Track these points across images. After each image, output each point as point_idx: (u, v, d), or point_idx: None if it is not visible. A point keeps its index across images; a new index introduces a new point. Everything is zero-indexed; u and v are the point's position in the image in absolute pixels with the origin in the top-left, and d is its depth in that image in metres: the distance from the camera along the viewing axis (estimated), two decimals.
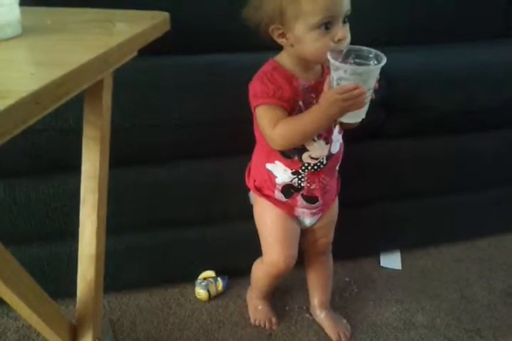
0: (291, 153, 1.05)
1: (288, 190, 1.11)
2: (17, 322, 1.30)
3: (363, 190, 1.41)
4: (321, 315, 1.34)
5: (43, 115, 0.55)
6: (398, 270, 1.57)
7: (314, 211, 1.16)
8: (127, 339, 1.28)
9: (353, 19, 0.94)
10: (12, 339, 1.25)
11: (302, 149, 1.04)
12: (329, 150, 1.07)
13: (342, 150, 1.12)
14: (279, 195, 1.12)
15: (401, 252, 1.63)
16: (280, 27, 0.94)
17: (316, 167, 1.07)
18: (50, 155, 1.10)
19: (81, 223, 0.92)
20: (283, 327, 1.34)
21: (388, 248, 1.63)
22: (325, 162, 1.08)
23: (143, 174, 1.23)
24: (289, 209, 1.14)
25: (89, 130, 0.87)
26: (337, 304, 1.41)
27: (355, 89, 0.87)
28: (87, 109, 0.85)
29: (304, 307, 1.39)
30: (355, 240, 1.46)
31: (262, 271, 1.24)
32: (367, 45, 0.93)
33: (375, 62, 0.90)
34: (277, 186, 1.11)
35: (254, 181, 1.15)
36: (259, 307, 1.35)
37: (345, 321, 1.34)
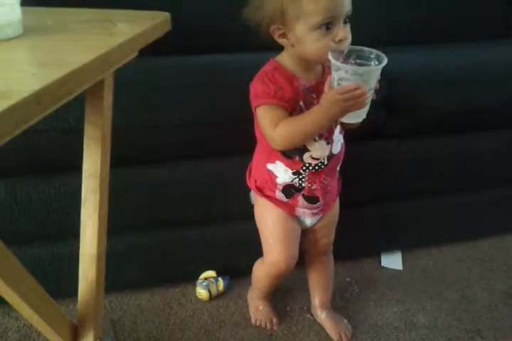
0: (292, 153, 1.05)
1: (289, 190, 1.11)
2: (18, 322, 1.30)
3: (363, 190, 1.41)
4: (322, 316, 1.34)
5: (44, 115, 0.55)
6: (399, 270, 1.57)
7: (315, 211, 1.16)
8: (128, 339, 1.28)
9: (353, 19, 0.94)
10: (13, 339, 1.25)
11: (303, 149, 1.04)
12: (330, 151, 1.07)
13: (343, 150, 1.12)
14: (279, 195, 1.12)
15: (402, 252, 1.63)
16: (281, 27, 0.94)
17: (317, 167, 1.07)
18: (51, 155, 1.10)
19: (82, 223, 0.92)
20: (284, 327, 1.34)
21: (389, 248, 1.63)
22: (326, 162, 1.08)
23: (143, 174, 1.23)
24: (290, 210, 1.14)
25: (91, 130, 0.87)
26: (338, 304, 1.41)
27: (356, 89, 0.87)
28: (88, 109, 0.86)
29: (305, 308, 1.39)
30: (356, 240, 1.46)
31: (263, 271, 1.24)
32: (367, 45, 0.93)
33: (376, 62, 0.90)
34: (278, 186, 1.11)
35: (255, 181, 1.15)
36: (260, 307, 1.35)
37: (346, 321, 1.34)
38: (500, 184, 1.61)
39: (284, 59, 1.01)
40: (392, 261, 1.60)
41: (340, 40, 0.91)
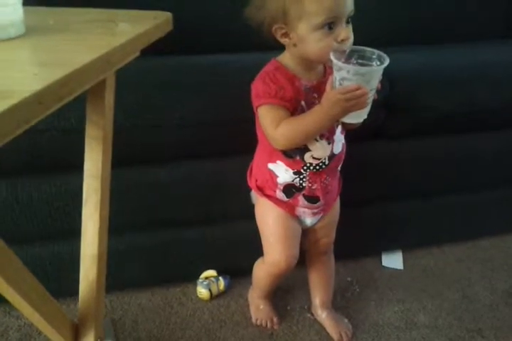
0: (293, 153, 1.05)
1: (289, 189, 1.11)
2: (19, 321, 1.30)
3: (364, 189, 1.41)
4: (322, 315, 1.34)
5: (45, 115, 0.55)
6: (400, 270, 1.57)
7: (315, 211, 1.16)
8: (129, 338, 1.28)
9: (354, 19, 0.94)
10: (14, 338, 1.25)
11: (304, 149, 1.04)
12: (331, 151, 1.07)
13: (344, 150, 1.12)
14: (280, 194, 1.12)
15: (403, 252, 1.63)
16: (283, 26, 0.94)
17: (318, 167, 1.07)
18: (53, 154, 1.10)
19: (83, 223, 0.92)
20: (284, 326, 1.34)
21: (390, 247, 1.63)
22: (327, 162, 1.08)
23: (144, 174, 1.23)
24: (290, 209, 1.14)
25: (92, 130, 0.87)
26: (339, 304, 1.41)
27: (357, 89, 0.87)
28: (90, 109, 0.86)
29: (306, 307, 1.40)
30: (356, 240, 1.46)
31: (264, 270, 1.24)
32: (367, 46, 0.93)
33: (378, 63, 0.90)
34: (279, 186, 1.11)
35: (256, 181, 1.15)
36: (261, 306, 1.35)
37: (346, 321, 1.34)
38: (500, 184, 1.61)
39: (286, 59, 1.01)
40: (393, 260, 1.60)
41: (342, 40, 0.91)
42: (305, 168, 1.07)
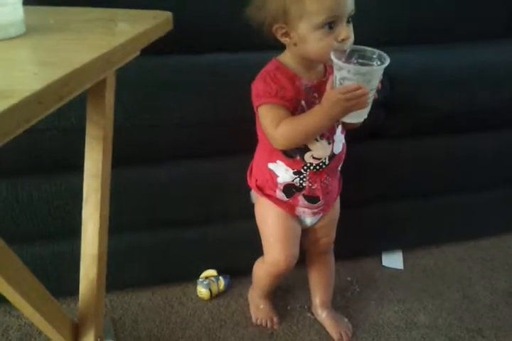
0: (294, 153, 1.05)
1: (289, 189, 1.11)
2: (19, 321, 1.30)
3: (364, 189, 1.41)
4: (322, 315, 1.34)
5: (45, 115, 0.55)
6: (400, 269, 1.57)
7: (315, 211, 1.16)
8: (129, 337, 1.28)
9: (354, 19, 0.94)
10: (14, 338, 1.26)
11: (305, 149, 1.04)
12: (332, 151, 1.07)
13: (344, 150, 1.12)
14: (280, 194, 1.12)
15: (403, 252, 1.63)
16: (284, 26, 0.94)
17: (318, 167, 1.07)
18: (53, 154, 1.10)
19: (83, 222, 0.92)
20: (284, 326, 1.34)
21: (390, 247, 1.63)
22: (327, 162, 1.08)
23: (144, 173, 1.23)
24: (290, 209, 1.14)
25: (92, 129, 0.87)
26: (339, 303, 1.41)
27: (358, 89, 0.87)
28: (90, 109, 0.86)
29: (306, 307, 1.40)
30: (356, 240, 1.46)
31: (264, 270, 1.24)
32: (367, 45, 0.93)
33: (379, 62, 0.90)
34: (279, 186, 1.11)
35: (256, 180, 1.15)
36: (261, 306, 1.35)
37: (346, 320, 1.34)
38: (500, 184, 1.61)
39: (286, 58, 1.01)
40: (393, 260, 1.60)
41: (343, 40, 0.91)
42: (305, 167, 1.07)
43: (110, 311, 1.35)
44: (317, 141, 1.04)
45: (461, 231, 1.67)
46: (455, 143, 1.46)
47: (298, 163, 1.07)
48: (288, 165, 1.07)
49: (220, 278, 1.41)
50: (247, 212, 1.20)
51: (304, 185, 1.10)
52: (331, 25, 0.90)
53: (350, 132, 1.10)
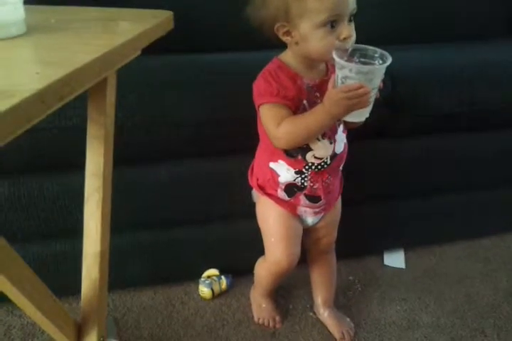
0: (295, 152, 1.05)
1: (291, 189, 1.11)
2: (22, 320, 1.30)
3: (365, 188, 1.41)
4: (324, 314, 1.34)
5: (47, 114, 0.55)
6: (402, 269, 1.57)
7: (317, 210, 1.15)
8: (131, 337, 1.28)
9: (356, 18, 0.94)
10: (17, 337, 1.26)
11: (306, 148, 1.04)
12: (333, 150, 1.07)
13: (346, 150, 1.12)
14: (281, 193, 1.12)
15: (405, 251, 1.63)
16: (285, 25, 0.94)
17: (319, 167, 1.07)
18: (54, 153, 1.11)
19: (85, 221, 0.92)
20: (286, 325, 1.34)
21: (392, 246, 1.63)
22: (329, 162, 1.07)
23: (145, 173, 1.23)
24: (292, 208, 1.14)
25: (94, 128, 0.87)
26: (341, 303, 1.41)
27: (359, 88, 0.86)
28: (91, 108, 0.86)
29: (308, 306, 1.40)
30: (358, 239, 1.46)
31: (265, 269, 1.24)
32: (369, 44, 0.92)
33: (380, 61, 0.90)
34: (280, 185, 1.11)
35: (257, 180, 1.15)
36: (263, 305, 1.35)
37: (348, 320, 1.34)
38: (500, 184, 1.61)
39: (288, 57, 1.01)
40: (395, 259, 1.60)
41: (344, 39, 0.91)
42: (307, 167, 1.07)
43: (112, 310, 1.35)
44: (319, 140, 1.03)
45: (462, 230, 1.67)
46: (455, 143, 1.46)
47: (299, 162, 1.06)
48: (289, 164, 1.07)
49: (222, 277, 1.41)
50: (249, 211, 1.20)
51: (305, 184, 1.09)
52: (332, 23, 0.90)
53: (352, 131, 1.10)
